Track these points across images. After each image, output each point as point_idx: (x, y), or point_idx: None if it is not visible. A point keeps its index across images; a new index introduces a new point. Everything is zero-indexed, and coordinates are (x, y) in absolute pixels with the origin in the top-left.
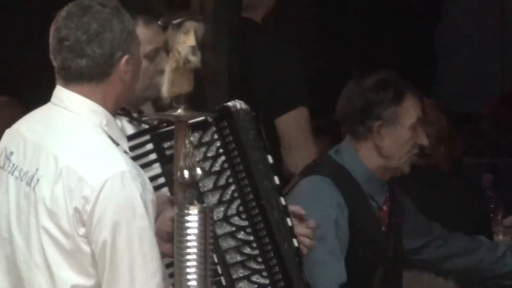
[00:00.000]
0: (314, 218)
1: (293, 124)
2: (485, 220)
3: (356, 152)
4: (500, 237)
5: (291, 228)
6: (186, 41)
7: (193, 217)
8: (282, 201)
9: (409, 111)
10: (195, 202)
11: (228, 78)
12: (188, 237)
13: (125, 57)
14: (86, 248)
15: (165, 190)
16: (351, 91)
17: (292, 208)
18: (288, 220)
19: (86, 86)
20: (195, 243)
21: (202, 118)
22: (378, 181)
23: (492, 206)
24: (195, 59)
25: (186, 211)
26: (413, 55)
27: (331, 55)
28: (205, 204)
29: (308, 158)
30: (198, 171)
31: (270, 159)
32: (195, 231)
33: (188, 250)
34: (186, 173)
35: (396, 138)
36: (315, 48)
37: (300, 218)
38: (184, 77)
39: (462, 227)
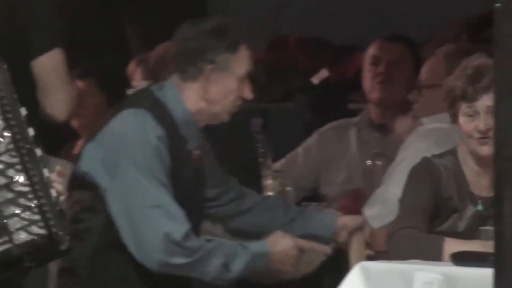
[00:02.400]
0: (135, 149)
1: (49, 66)
2: (254, 164)
3: (180, 92)
4: (270, 181)
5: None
6: None
7: None
8: (38, 152)
9: (242, 61)
10: None
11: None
12: None
13: None
14: None
15: None
16: (187, 31)
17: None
18: (45, 170)
19: None
20: None
21: None
22: (195, 125)
23: (262, 150)
24: None
25: None
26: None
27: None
28: None
29: (65, 100)
30: None
31: (23, 111)
32: None
33: None
34: None
35: (224, 86)
36: None
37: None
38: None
39: (232, 171)
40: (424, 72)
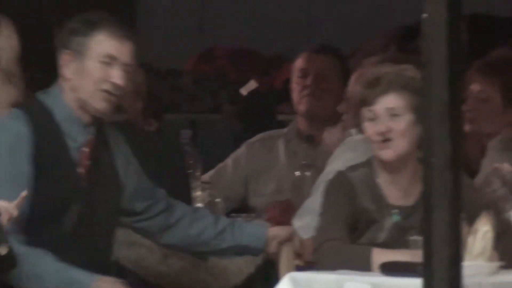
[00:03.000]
0: None
1: None
2: (183, 176)
3: (61, 89)
4: (199, 192)
5: None
6: None
7: None
8: None
9: (100, 44)
10: None
11: None
12: None
13: None
14: None
15: None
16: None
17: None
18: None
19: None
20: None
21: None
22: (78, 121)
23: (191, 161)
24: None
25: None
26: (111, 13)
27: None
28: None
29: None
30: None
31: None
32: None
33: None
34: None
35: (83, 70)
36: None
37: None
38: None
39: (161, 183)
40: (352, 83)
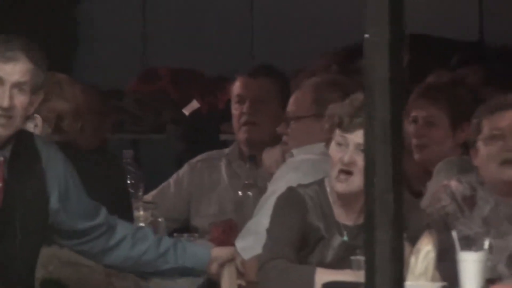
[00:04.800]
0: None
1: None
2: (126, 196)
3: None
4: (141, 212)
5: None
6: None
7: None
8: None
9: None
10: None
11: None
12: None
13: None
14: None
15: None
16: None
17: None
18: None
19: None
20: None
21: None
22: None
23: (133, 181)
24: None
25: None
26: (54, 32)
27: None
28: None
29: None
30: None
31: None
32: None
33: None
34: None
35: None
36: None
37: None
38: None
39: (103, 203)
40: (291, 104)
